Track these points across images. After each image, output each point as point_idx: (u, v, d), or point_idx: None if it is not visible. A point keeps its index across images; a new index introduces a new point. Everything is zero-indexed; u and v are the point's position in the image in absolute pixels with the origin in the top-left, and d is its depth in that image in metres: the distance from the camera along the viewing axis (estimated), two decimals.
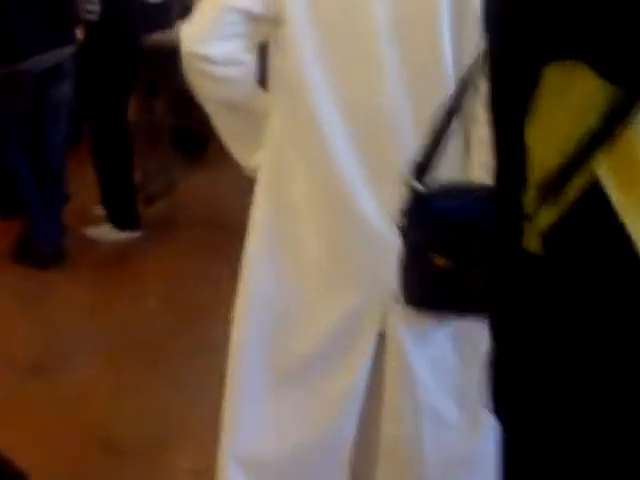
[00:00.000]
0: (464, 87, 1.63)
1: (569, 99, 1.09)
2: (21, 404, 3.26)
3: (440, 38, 1.88)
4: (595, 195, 1.06)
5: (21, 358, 3.61)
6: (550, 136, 1.10)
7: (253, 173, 2.13)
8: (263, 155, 2.08)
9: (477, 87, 1.56)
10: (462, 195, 1.61)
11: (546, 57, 1.11)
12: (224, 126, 2.12)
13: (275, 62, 2.03)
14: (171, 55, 5.06)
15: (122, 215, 4.76)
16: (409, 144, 1.86)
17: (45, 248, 4.40)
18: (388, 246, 1.86)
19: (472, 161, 1.94)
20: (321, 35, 1.91)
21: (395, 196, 1.71)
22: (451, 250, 1.57)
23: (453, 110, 1.64)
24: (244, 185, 2.11)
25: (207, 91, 2.05)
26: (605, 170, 1.06)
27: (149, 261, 4.55)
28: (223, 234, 4.65)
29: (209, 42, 1.96)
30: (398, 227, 1.62)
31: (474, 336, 1.85)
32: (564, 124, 1.09)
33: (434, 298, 1.66)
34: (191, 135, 5.85)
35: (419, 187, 1.60)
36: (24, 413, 3.19)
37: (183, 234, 4.84)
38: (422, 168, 1.63)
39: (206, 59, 1.97)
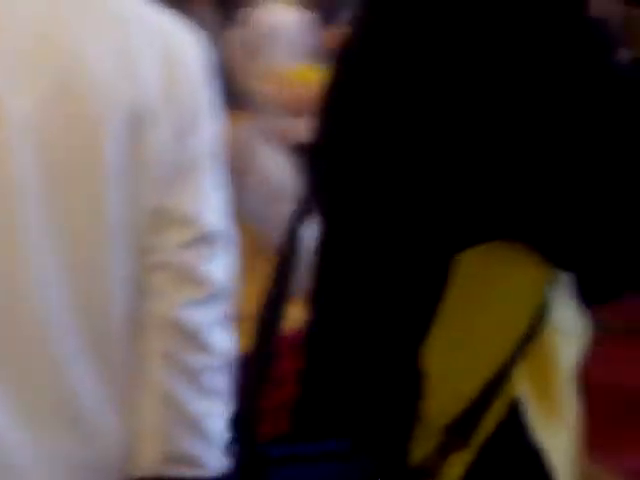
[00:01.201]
0: (278, 309, 1.23)
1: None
2: None
3: (103, 197, 1.23)
4: (509, 426, 0.97)
5: None
6: (466, 355, 0.98)
7: None
8: None
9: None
10: (310, 456, 1.15)
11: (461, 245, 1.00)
12: None
13: None
14: None
15: None
16: (64, 360, 1.21)
17: None
18: None
19: None
20: None
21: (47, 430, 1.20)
22: None
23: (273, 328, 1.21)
24: None
25: None
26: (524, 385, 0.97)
27: None
28: None
29: None
30: None
31: None
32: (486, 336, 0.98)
33: None
34: None
35: (251, 450, 1.14)
36: None
37: None
38: (249, 419, 1.16)
39: None
